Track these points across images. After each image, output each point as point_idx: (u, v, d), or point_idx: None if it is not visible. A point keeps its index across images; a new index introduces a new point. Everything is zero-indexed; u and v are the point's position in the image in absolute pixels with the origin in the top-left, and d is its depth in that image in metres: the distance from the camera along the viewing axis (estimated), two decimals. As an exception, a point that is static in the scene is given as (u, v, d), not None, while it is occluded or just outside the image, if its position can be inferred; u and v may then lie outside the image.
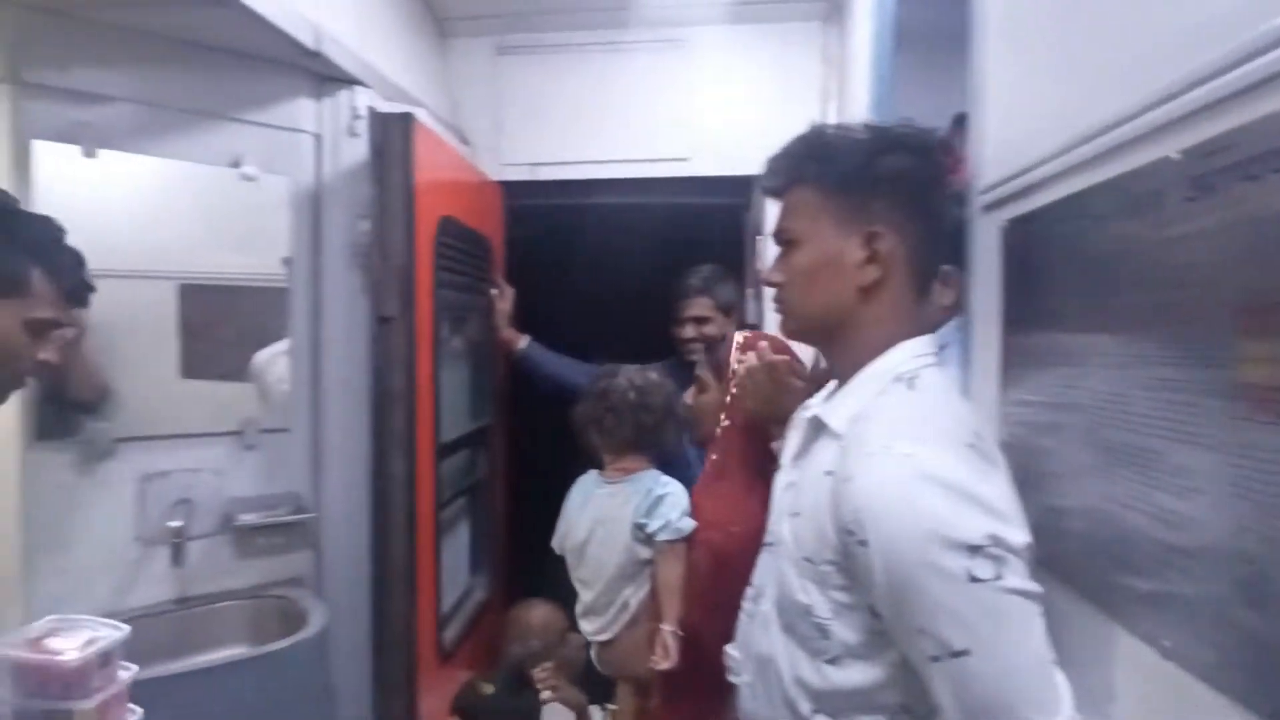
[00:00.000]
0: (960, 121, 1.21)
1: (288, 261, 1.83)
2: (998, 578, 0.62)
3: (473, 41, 2.53)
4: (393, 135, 1.81)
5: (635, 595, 1.64)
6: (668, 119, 2.47)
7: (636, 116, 2.49)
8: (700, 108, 2.46)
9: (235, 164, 1.74)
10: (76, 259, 1.06)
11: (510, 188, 2.53)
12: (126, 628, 0.95)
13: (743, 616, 0.90)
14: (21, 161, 1.50)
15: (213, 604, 1.70)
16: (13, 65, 1.49)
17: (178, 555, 1.63)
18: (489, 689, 1.85)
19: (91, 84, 1.57)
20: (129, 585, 1.60)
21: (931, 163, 0.80)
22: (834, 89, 2.35)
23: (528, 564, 2.23)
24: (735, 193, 2.50)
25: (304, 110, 1.83)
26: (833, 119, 2.25)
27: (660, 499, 1.63)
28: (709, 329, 2.09)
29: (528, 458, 2.70)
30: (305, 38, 1.65)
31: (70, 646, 0.90)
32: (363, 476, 1.83)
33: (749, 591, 0.91)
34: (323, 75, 1.83)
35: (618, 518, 1.66)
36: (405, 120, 1.83)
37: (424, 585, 1.86)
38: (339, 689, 1.77)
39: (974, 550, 0.62)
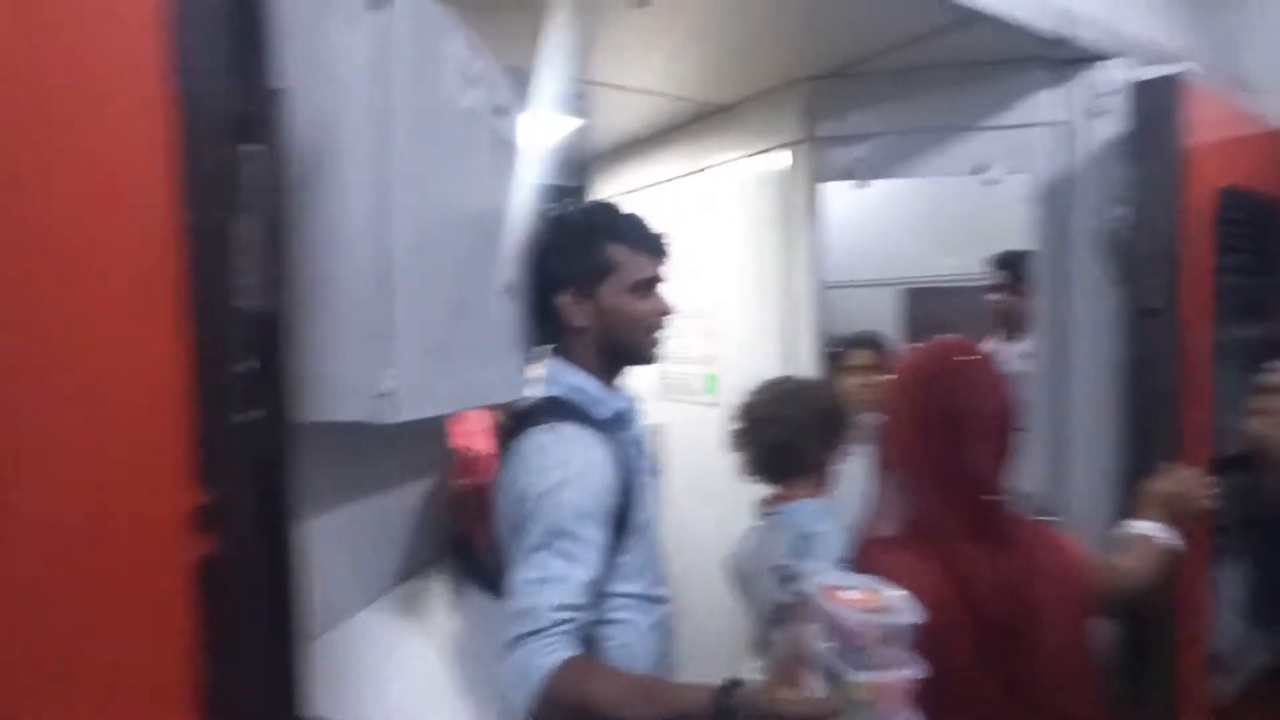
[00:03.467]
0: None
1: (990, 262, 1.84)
2: None
3: (1253, -39, 1.98)
4: (1154, 104, 1.55)
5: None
6: None
7: None
8: None
9: (980, 170, 1.76)
10: (639, 223, 1.14)
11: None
12: (916, 617, 0.76)
13: None
14: (813, 201, 1.82)
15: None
16: (809, 127, 1.81)
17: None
18: None
19: (863, 127, 1.80)
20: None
21: None
22: None
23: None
24: None
25: (1043, 102, 1.72)
26: None
27: (810, 539, 1.24)
28: None
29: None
30: (1055, 26, 1.54)
31: (860, 606, 0.76)
32: (1112, 487, 1.62)
33: None
34: (1064, 60, 1.68)
35: (758, 566, 1.31)
36: (1168, 85, 1.55)
37: (1187, 625, 1.57)
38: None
39: None
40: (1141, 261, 1.56)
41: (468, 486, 1.23)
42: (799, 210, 1.85)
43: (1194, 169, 1.53)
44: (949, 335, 1.10)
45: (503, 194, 1.10)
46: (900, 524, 1.03)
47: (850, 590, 0.79)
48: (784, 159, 1.87)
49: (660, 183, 2.26)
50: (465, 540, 1.18)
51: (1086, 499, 1.68)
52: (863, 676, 0.74)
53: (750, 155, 1.96)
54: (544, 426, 1.02)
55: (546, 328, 1.16)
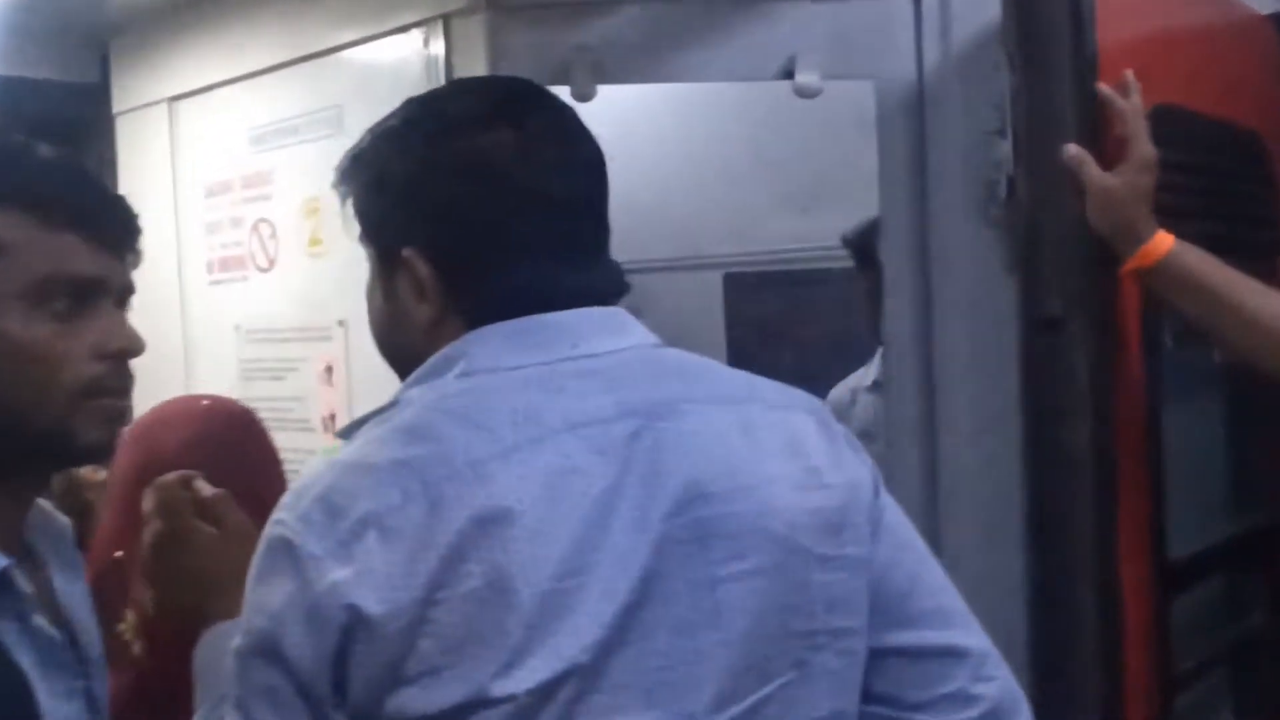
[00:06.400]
0: None
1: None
2: None
3: None
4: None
5: None
6: None
7: None
8: None
9: (787, 73, 1.75)
10: (60, 171, 1.08)
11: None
12: None
13: None
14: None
15: None
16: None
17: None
18: None
19: (578, -14, 1.75)
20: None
21: None
22: None
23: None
24: None
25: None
26: None
27: None
28: None
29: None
30: None
31: None
32: (1018, 618, 1.70)
33: None
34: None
35: None
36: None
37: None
38: None
39: None
40: (1029, 237, 1.65)
41: None
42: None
43: (1109, 78, 1.62)
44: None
45: None
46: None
47: None
48: (443, 42, 1.82)
49: (239, 79, 2.17)
50: None
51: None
52: None
53: (386, 34, 1.90)
54: None
55: None
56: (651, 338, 1.02)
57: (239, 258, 2.15)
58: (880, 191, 1.80)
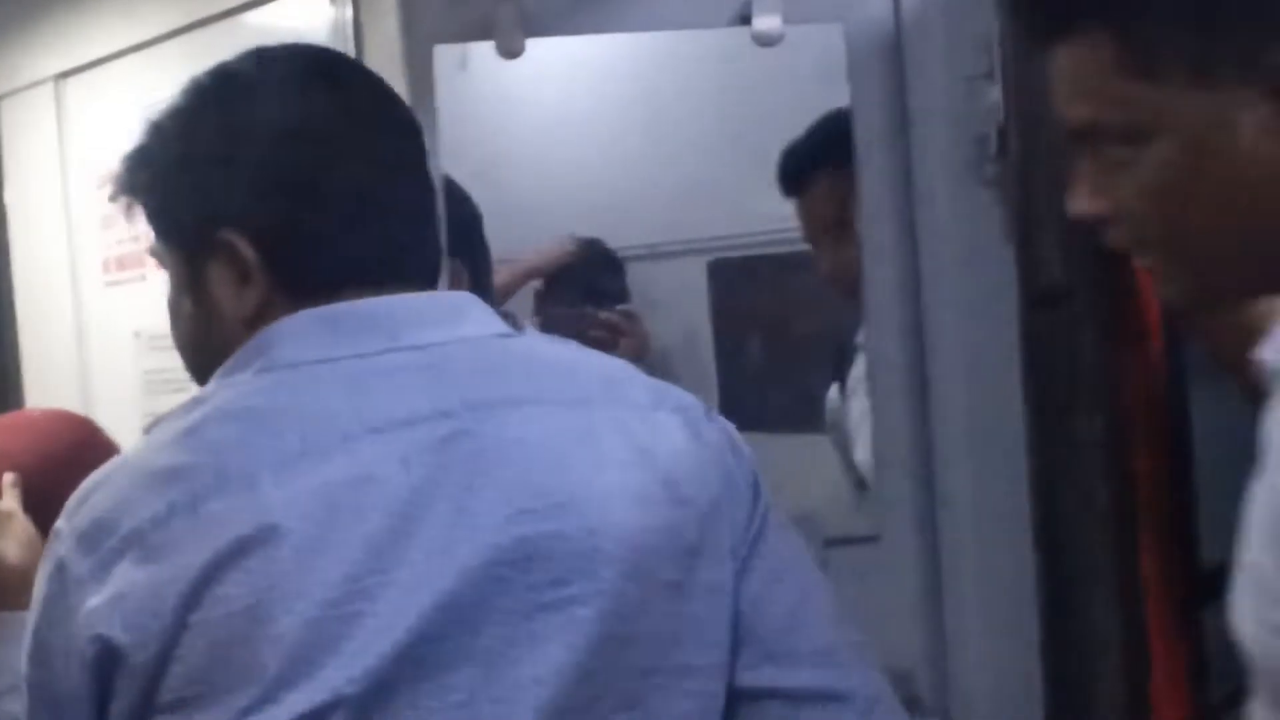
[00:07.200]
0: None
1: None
2: None
3: None
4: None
5: None
6: None
7: None
8: None
9: (743, 18, 1.80)
10: None
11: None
12: None
13: None
14: (421, 71, 1.75)
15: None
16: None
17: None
18: None
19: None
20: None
21: None
22: None
23: None
24: None
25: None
26: None
27: None
28: None
29: None
30: None
31: None
32: (1028, 638, 1.71)
33: None
34: None
35: None
36: None
37: None
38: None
39: None
40: (1023, 200, 1.64)
41: None
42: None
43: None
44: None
45: None
46: None
47: None
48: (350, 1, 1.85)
49: (131, 50, 2.19)
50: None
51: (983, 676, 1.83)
52: None
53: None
54: None
55: None
56: (496, 326, 1.00)
57: (137, 255, 2.14)
58: (855, 150, 1.82)
